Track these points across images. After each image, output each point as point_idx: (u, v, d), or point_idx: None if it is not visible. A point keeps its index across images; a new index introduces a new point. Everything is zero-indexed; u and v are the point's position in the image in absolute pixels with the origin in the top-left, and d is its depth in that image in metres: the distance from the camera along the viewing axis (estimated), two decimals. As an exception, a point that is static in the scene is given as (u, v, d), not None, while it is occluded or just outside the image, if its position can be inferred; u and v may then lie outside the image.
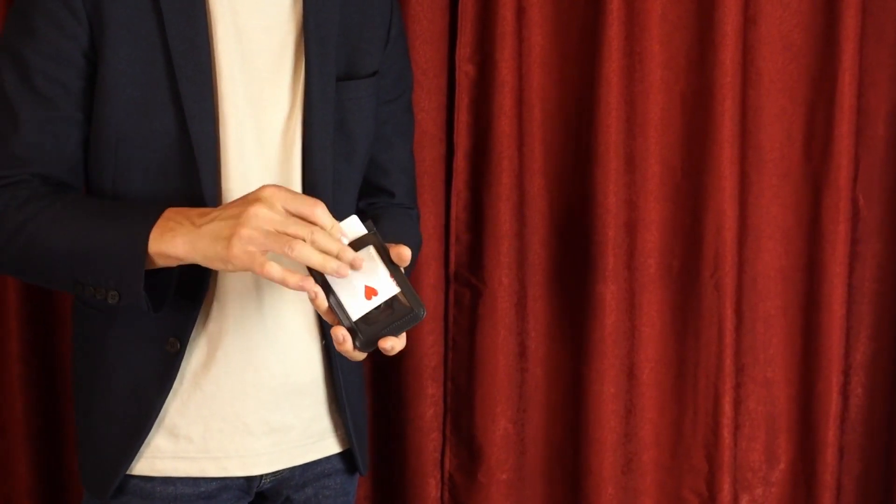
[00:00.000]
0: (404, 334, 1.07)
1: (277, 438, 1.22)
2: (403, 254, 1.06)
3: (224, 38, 1.14)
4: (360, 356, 1.08)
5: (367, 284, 1.05)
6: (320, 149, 1.18)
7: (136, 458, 1.17)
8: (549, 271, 1.68)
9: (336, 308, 1.04)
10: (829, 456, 1.69)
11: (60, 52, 1.10)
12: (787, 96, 1.65)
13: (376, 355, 1.67)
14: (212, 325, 1.17)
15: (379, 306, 1.05)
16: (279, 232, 1.00)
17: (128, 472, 1.17)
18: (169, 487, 1.19)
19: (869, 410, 1.73)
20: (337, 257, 1.02)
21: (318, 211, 1.01)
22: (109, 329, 1.17)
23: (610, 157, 1.61)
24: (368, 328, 1.05)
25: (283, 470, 1.24)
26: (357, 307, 1.05)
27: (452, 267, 1.68)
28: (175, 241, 1.03)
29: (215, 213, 1.04)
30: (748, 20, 1.63)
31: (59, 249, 1.07)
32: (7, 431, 1.65)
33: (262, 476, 1.23)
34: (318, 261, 1.00)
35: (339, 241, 1.03)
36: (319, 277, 1.03)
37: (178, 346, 1.14)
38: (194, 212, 1.05)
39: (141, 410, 1.16)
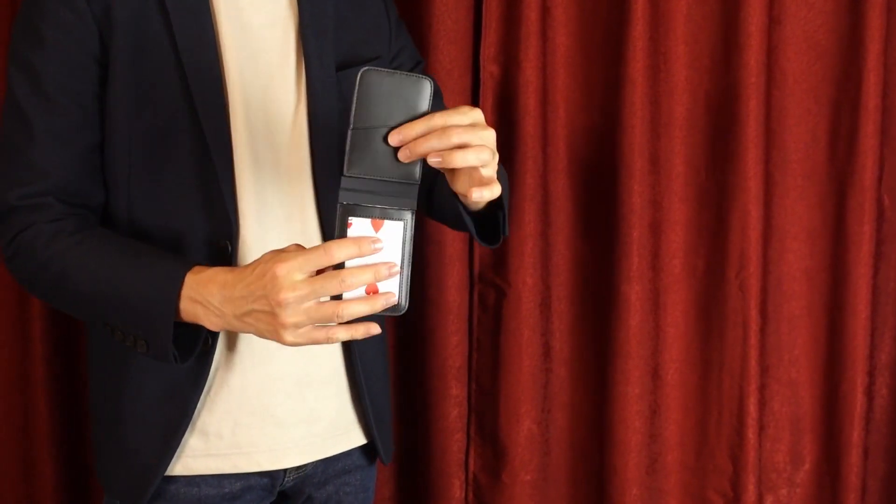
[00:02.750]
0: (490, 180, 1.05)
1: (306, 430, 1.22)
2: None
3: (229, 34, 1.15)
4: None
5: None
6: (327, 136, 1.19)
7: (172, 460, 1.17)
8: (573, 271, 1.68)
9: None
10: (853, 457, 1.69)
11: (70, 58, 1.10)
12: (812, 96, 1.65)
13: (400, 352, 1.69)
14: None
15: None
16: (318, 305, 0.97)
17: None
18: (193, 489, 1.18)
19: (893, 411, 1.72)
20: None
21: (334, 253, 0.96)
22: (128, 348, 1.16)
23: (634, 157, 1.61)
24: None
25: (307, 465, 1.24)
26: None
27: (477, 267, 1.68)
28: (208, 320, 1.04)
29: (240, 302, 1.01)
30: (773, 20, 1.62)
31: (87, 294, 1.09)
32: (31, 432, 1.65)
33: (285, 473, 1.23)
34: (366, 310, 0.97)
35: (367, 269, 0.97)
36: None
37: (210, 341, 1.14)
38: (213, 291, 1.03)
39: (177, 411, 1.16)
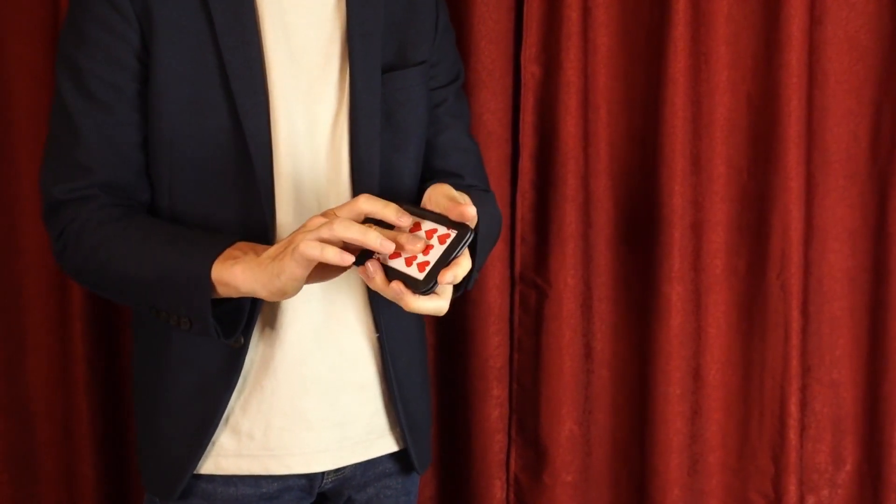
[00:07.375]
0: (467, 255, 1.01)
1: (339, 434, 1.22)
2: (467, 213, 1.01)
3: (272, 34, 1.15)
4: (427, 304, 1.01)
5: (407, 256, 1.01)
6: (366, 141, 1.19)
7: (203, 457, 1.17)
8: (614, 272, 1.68)
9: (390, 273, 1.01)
10: (895, 458, 1.68)
11: (113, 56, 1.11)
12: (854, 97, 1.65)
13: (441, 353, 1.69)
14: (270, 320, 1.17)
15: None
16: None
17: (194, 472, 1.18)
18: (230, 489, 1.19)
19: (935, 412, 1.72)
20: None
21: (361, 202, 1.01)
22: (173, 329, 1.16)
23: (676, 157, 1.61)
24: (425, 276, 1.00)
25: (346, 468, 1.24)
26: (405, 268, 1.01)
27: (518, 268, 1.67)
28: (234, 269, 1.03)
29: (270, 257, 1.03)
30: (814, 21, 1.62)
31: (131, 276, 1.09)
32: (72, 433, 1.65)
33: (323, 475, 1.23)
34: (355, 233, 0.97)
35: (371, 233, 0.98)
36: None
37: (242, 340, 1.15)
38: (263, 247, 1.06)
39: (208, 408, 1.16)
